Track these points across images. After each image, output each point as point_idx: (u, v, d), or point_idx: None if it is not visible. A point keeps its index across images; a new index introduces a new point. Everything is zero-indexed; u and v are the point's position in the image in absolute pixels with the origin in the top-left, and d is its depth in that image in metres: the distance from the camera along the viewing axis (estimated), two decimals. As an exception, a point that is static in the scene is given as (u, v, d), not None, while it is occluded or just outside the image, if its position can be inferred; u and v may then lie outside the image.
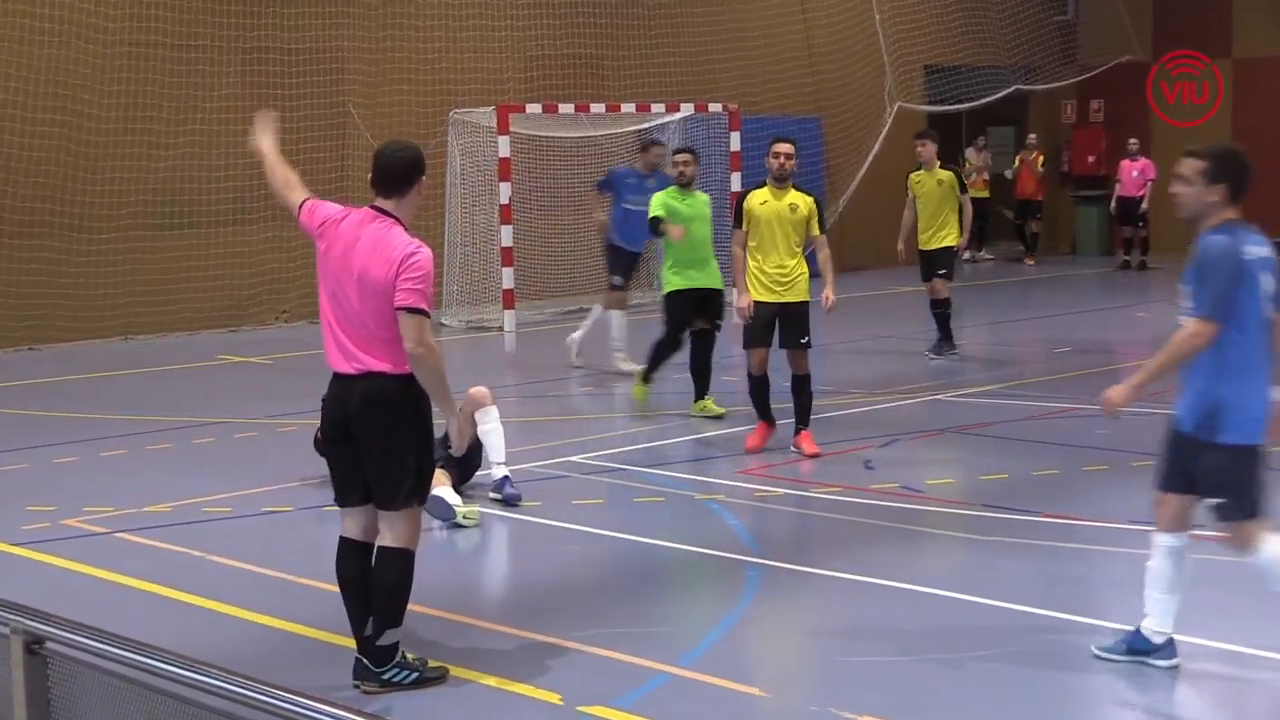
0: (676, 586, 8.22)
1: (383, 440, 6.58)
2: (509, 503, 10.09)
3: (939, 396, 14.17)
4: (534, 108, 21.12)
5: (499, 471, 10.23)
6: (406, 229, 6.66)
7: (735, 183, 21.61)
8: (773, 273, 11.57)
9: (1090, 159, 30.13)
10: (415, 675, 6.67)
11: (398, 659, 6.68)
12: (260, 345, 19.01)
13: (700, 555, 8.88)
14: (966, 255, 29.21)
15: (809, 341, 11.60)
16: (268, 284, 20.96)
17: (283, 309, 21.10)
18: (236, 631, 7.56)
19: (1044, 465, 11.09)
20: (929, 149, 16.44)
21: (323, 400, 6.78)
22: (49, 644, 4.76)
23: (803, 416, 11.67)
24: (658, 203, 13.23)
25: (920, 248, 16.57)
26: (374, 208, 6.68)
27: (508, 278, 20.45)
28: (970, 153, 28.90)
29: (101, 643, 4.63)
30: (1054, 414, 13.16)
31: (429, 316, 6.49)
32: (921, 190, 16.42)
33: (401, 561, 6.66)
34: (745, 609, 7.84)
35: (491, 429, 10.26)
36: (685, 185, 13.25)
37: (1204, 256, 6.41)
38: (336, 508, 6.87)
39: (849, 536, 9.27)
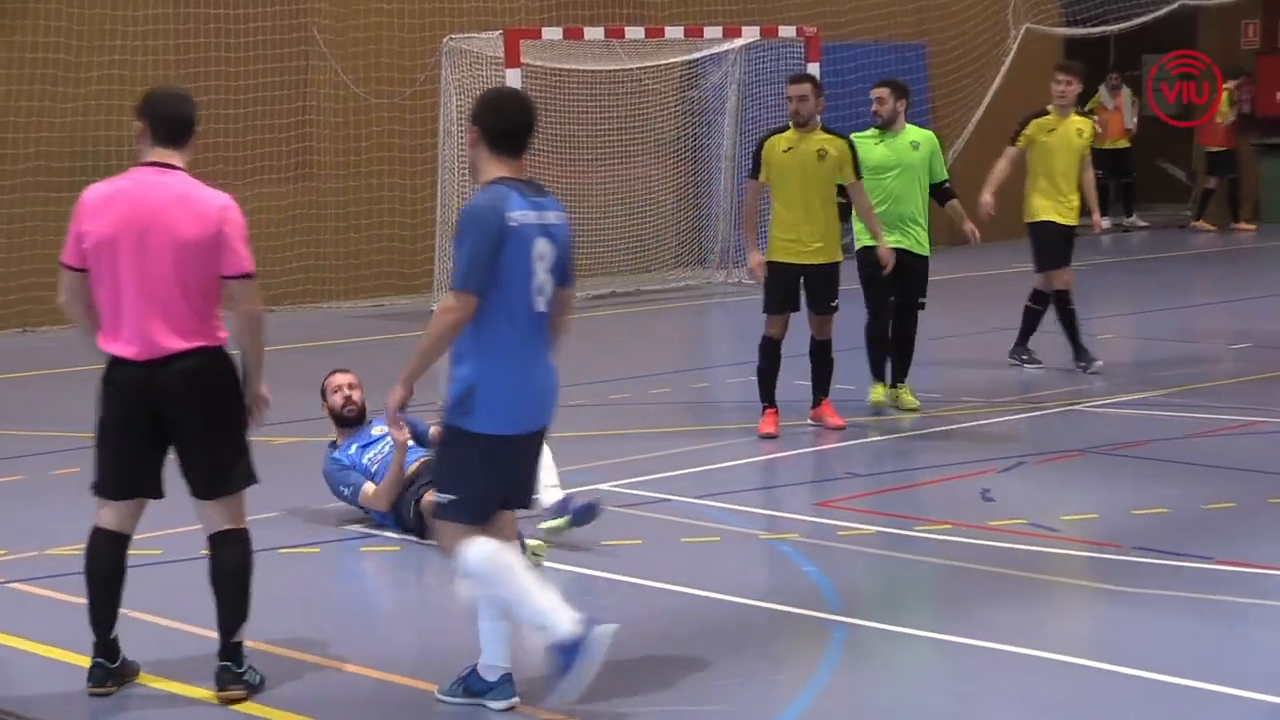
0: (736, 652, 8.22)
1: (213, 423, 7.55)
2: (579, 520, 9.95)
3: (1076, 407, 14.15)
4: (552, 33, 21.14)
5: (551, 495, 10.03)
6: None
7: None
8: (798, 230, 12.81)
9: (1280, 97, 30.07)
10: (260, 675, 7.67)
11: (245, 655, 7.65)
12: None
13: (767, 612, 8.88)
14: (1106, 224, 29.19)
15: (837, 306, 13.03)
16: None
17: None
18: (167, 712, 7.60)
19: (1215, 496, 11.06)
20: (1074, 88, 15.64)
21: (111, 386, 7.51)
22: (-75, 724, 4.81)
23: (823, 385, 13.22)
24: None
25: (1049, 218, 15.54)
26: (154, 163, 7.49)
27: (517, 252, 20.41)
28: (1103, 91, 28.78)
29: (-8, 722, 4.68)
30: (1230, 430, 13.12)
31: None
32: (1056, 140, 15.43)
33: (246, 542, 7.69)
34: (825, 682, 7.85)
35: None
36: (884, 126, 13.91)
37: (460, 220, 7.21)
38: (101, 498, 7.68)
39: (960, 588, 9.25)
